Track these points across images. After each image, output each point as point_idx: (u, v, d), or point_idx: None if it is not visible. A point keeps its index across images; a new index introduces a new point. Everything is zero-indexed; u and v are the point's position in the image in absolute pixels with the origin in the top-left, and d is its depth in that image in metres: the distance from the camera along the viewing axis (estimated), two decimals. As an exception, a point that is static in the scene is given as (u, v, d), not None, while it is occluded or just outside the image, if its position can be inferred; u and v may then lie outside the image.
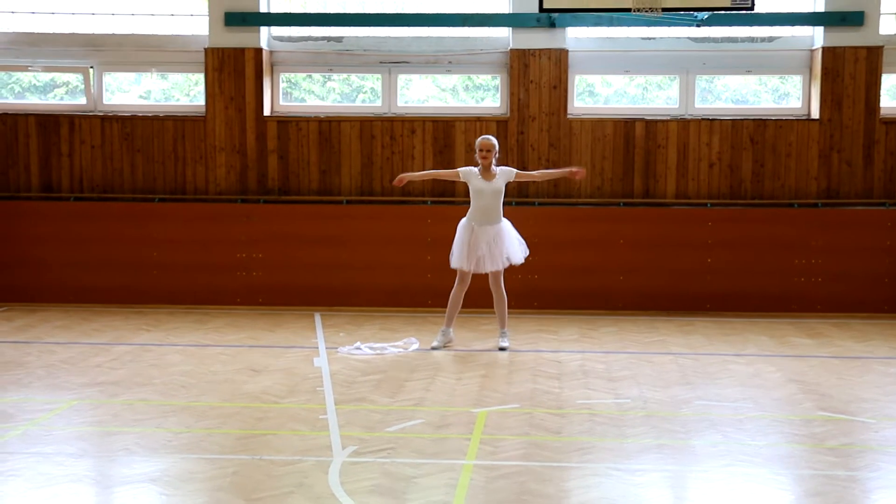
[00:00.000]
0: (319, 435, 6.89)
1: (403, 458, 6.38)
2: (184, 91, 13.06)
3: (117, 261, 12.30)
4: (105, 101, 12.78)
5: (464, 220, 9.88)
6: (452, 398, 7.96)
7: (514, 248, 9.86)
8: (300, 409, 7.60)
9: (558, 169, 9.89)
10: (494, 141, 9.88)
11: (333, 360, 9.33)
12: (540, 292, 11.90)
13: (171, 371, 8.82)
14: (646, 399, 7.93)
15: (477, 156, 9.85)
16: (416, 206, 12.34)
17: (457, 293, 9.91)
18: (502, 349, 9.81)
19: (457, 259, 9.87)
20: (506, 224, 9.85)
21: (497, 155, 9.87)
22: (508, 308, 10.03)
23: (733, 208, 12.11)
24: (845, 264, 11.88)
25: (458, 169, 10.15)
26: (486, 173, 9.80)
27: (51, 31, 12.73)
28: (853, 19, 11.90)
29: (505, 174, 9.85)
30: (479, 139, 9.96)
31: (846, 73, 12.02)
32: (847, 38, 11.97)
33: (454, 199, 12.32)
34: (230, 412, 7.50)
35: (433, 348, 9.84)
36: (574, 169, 10.07)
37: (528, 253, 10.05)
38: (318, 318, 11.53)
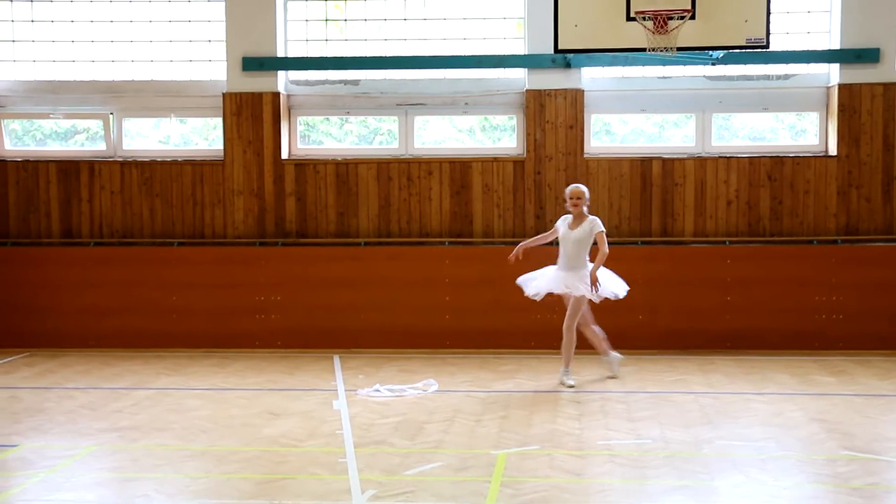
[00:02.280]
0: (339, 479, 6.86)
1: (423, 502, 6.34)
2: (202, 135, 13.17)
3: (137, 305, 12.35)
4: (125, 147, 12.90)
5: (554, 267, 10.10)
6: (472, 440, 7.91)
7: (585, 284, 9.83)
8: (319, 452, 7.57)
9: (599, 261, 9.96)
10: (583, 188, 10.00)
11: (353, 402, 9.31)
12: (558, 332, 11.81)
13: (190, 415, 8.82)
14: (667, 439, 7.87)
15: (567, 204, 10.00)
16: (433, 248, 12.35)
17: (587, 327, 10.25)
18: (569, 386, 9.92)
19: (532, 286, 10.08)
20: (587, 271, 9.85)
21: (587, 202, 9.95)
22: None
23: (752, 246, 12.07)
24: (866, 301, 11.80)
25: (557, 224, 10.21)
26: (575, 221, 9.96)
27: (71, 79, 12.89)
28: (869, 56, 11.91)
29: (591, 224, 9.89)
30: (569, 188, 10.08)
31: (863, 110, 12.01)
32: (863, 74, 11.97)
33: (472, 239, 12.35)
34: (249, 456, 7.48)
35: (570, 386, 9.95)
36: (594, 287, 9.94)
37: (621, 292, 10.16)
38: (337, 360, 11.52)
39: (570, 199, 9.97)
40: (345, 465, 7.19)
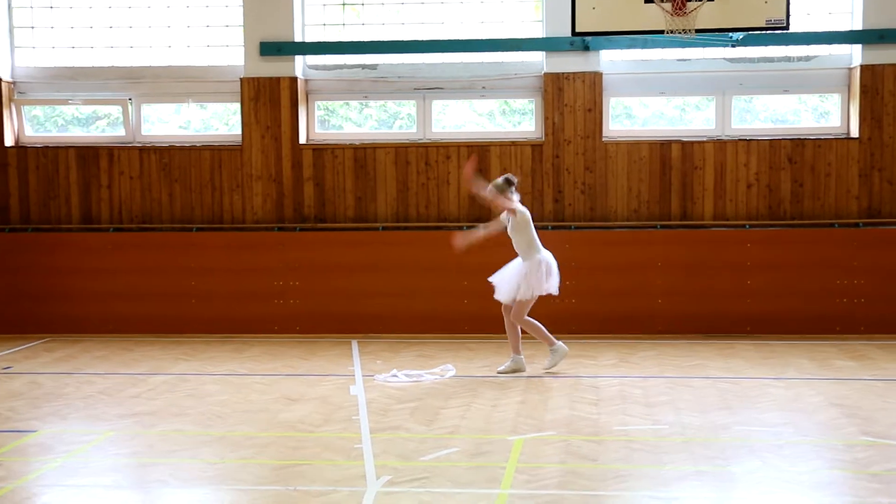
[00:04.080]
0: (354, 465, 6.86)
1: (438, 488, 6.33)
2: (223, 120, 13.17)
3: (156, 291, 12.40)
4: (143, 133, 12.92)
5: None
6: (488, 425, 7.90)
7: (511, 285, 9.77)
8: (335, 438, 7.58)
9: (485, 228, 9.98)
10: (491, 186, 9.82)
11: (370, 387, 9.31)
12: (578, 317, 11.81)
13: (207, 401, 8.85)
14: (684, 425, 7.82)
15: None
16: (451, 232, 12.26)
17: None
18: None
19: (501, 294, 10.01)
20: (528, 264, 9.74)
21: (506, 194, 9.76)
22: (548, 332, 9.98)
23: (772, 229, 11.97)
24: (888, 285, 11.68)
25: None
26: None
27: (90, 65, 12.91)
28: (891, 36, 11.75)
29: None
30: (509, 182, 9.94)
31: (885, 91, 11.87)
32: (885, 55, 11.82)
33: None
34: (265, 442, 7.49)
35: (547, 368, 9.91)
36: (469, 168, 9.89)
37: (532, 293, 9.82)
38: (355, 345, 11.53)
39: (497, 198, 9.79)
40: (360, 450, 7.19)
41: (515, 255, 9.91)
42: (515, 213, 9.69)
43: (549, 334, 9.87)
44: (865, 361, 10.30)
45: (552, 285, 9.89)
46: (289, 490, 6.32)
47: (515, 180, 9.91)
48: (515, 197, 9.87)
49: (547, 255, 9.86)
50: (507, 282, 9.85)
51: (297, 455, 7.13)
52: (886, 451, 7.04)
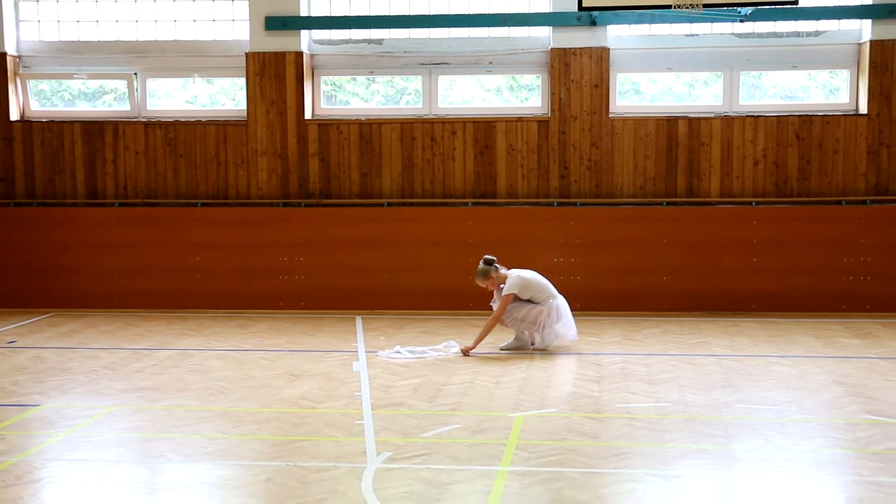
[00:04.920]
0: (355, 441, 6.86)
1: (438, 465, 6.33)
2: (229, 95, 13.13)
3: (161, 266, 12.41)
4: (149, 108, 12.89)
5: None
6: (490, 402, 7.89)
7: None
8: (337, 414, 7.58)
9: (483, 331, 9.79)
10: (477, 277, 9.82)
11: (372, 364, 9.31)
12: (582, 293, 11.77)
13: (210, 376, 8.86)
14: (686, 402, 7.81)
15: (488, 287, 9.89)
16: (457, 209, 12.28)
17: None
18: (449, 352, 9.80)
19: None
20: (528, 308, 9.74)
21: (493, 276, 9.73)
22: None
23: (779, 206, 11.91)
24: (895, 263, 11.62)
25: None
26: (497, 293, 9.85)
27: (95, 39, 12.87)
28: (901, 12, 11.65)
29: (504, 289, 9.75)
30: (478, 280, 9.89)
31: (895, 67, 11.75)
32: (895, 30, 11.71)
33: (496, 200, 12.27)
34: (267, 417, 7.50)
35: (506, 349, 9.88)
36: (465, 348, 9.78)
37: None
38: (359, 321, 11.52)
39: (485, 284, 9.81)
40: (361, 427, 7.19)
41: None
42: (510, 299, 9.63)
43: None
44: (871, 339, 10.27)
45: (563, 330, 9.82)
46: (289, 466, 6.32)
47: (493, 258, 9.83)
48: (502, 270, 9.80)
49: (560, 301, 9.82)
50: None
51: (298, 431, 7.13)
52: (889, 430, 7.01)
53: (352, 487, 5.93)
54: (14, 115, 12.87)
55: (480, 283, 9.86)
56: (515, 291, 9.66)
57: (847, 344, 10.06)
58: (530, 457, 6.47)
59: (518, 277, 9.72)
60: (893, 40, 11.73)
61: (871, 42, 11.75)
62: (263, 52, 12.45)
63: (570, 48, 12.13)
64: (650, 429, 7.12)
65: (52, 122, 12.85)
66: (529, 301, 9.73)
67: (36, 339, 10.70)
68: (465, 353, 9.65)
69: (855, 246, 11.69)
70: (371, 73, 12.76)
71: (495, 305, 9.86)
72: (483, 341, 9.74)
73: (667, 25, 12.06)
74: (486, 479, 6.04)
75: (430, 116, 12.51)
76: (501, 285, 9.78)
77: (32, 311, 12.22)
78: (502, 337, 10.02)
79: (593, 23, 12.01)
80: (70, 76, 13.01)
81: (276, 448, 6.73)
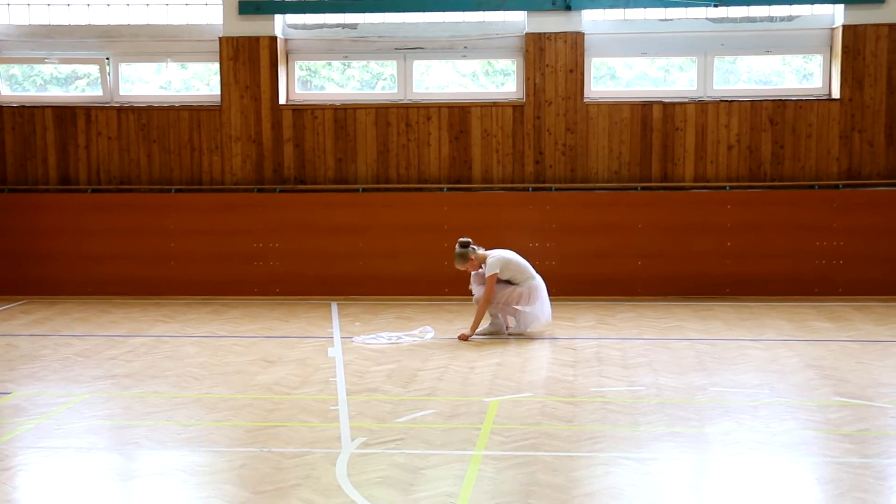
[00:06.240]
0: (329, 426, 6.86)
1: (412, 450, 6.34)
2: (204, 80, 13.04)
3: (135, 252, 12.34)
4: (122, 92, 12.79)
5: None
6: (465, 387, 7.90)
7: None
8: (312, 400, 7.57)
9: (477, 315, 9.77)
10: (456, 258, 9.73)
11: (348, 349, 9.31)
12: (557, 279, 11.75)
13: (185, 363, 8.83)
14: (660, 386, 7.85)
15: (468, 270, 9.83)
16: (432, 194, 12.27)
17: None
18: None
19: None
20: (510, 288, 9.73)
21: (471, 256, 9.66)
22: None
23: (753, 191, 11.97)
24: (867, 246, 11.72)
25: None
26: (478, 276, 9.78)
27: (66, 23, 12.76)
28: (873, -3, 11.70)
29: (486, 268, 9.67)
30: (456, 261, 9.79)
31: (867, 52, 11.83)
32: (868, 15, 11.77)
33: (471, 185, 12.28)
34: (241, 404, 7.48)
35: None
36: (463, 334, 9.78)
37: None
38: (334, 307, 11.51)
39: (465, 267, 9.75)
40: (336, 412, 7.19)
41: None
42: (494, 279, 9.61)
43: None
44: (842, 323, 10.35)
45: (539, 310, 9.77)
46: (263, 452, 6.31)
47: (469, 240, 9.76)
48: (480, 250, 9.74)
49: (539, 282, 9.81)
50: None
51: (272, 417, 7.12)
52: (859, 412, 7.08)
53: (326, 473, 5.93)
54: (-16, 101, 12.76)
55: (459, 266, 9.82)
56: (497, 271, 9.64)
57: (819, 327, 10.14)
58: (504, 441, 6.49)
59: (500, 258, 9.70)
60: (865, 25, 11.79)
61: (844, 27, 11.81)
62: (237, 37, 12.38)
63: (545, 33, 12.12)
64: (624, 412, 7.16)
65: (24, 107, 12.73)
66: (508, 282, 9.73)
67: (8, 326, 10.63)
68: (464, 338, 9.63)
69: (828, 230, 11.77)
70: (346, 57, 12.71)
71: (474, 289, 9.84)
72: (478, 327, 9.72)
73: (641, 10, 12.07)
74: (461, 464, 6.05)
75: (406, 101, 12.48)
76: (482, 267, 9.75)
77: (5, 299, 12.13)
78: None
79: (568, 7, 12.00)
80: (41, 60, 12.90)
81: (251, 434, 6.72)
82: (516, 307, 9.75)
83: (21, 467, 6.13)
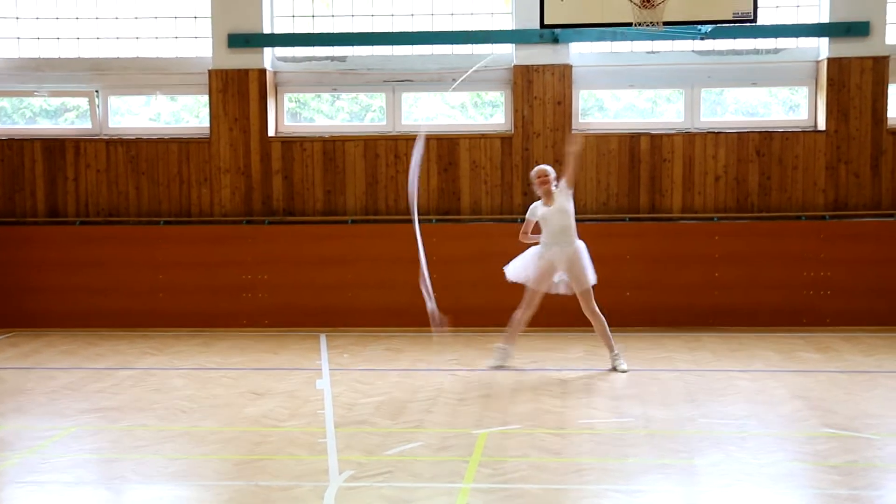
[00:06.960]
0: (318, 459, 6.83)
1: (400, 483, 6.32)
2: (193, 112, 13.08)
3: (123, 284, 12.31)
4: (111, 125, 12.82)
5: (537, 248, 9.76)
6: (454, 419, 7.89)
7: (589, 269, 9.68)
8: (300, 432, 7.55)
9: (569, 155, 9.79)
10: (546, 168, 9.74)
11: (336, 381, 9.28)
12: (546, 309, 11.72)
13: (172, 395, 8.79)
14: (649, 418, 7.84)
15: (535, 187, 9.75)
16: (421, 225, 12.23)
17: (525, 317, 9.80)
18: (623, 371, 9.57)
19: (523, 275, 9.77)
20: (581, 245, 9.68)
21: (554, 178, 9.67)
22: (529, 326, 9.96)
23: (740, 222, 12.02)
24: (854, 277, 11.76)
25: (528, 215, 9.92)
26: (548, 199, 9.67)
27: (56, 56, 12.80)
28: (858, 30, 11.81)
29: (562, 191, 9.63)
30: (534, 170, 9.80)
31: (852, 84, 11.92)
32: (853, 48, 11.88)
33: (459, 216, 12.30)
34: (229, 437, 7.45)
35: (493, 368, 9.75)
36: (573, 142, 9.87)
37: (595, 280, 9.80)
38: (323, 339, 11.49)
39: (539, 178, 9.69)
40: (324, 445, 7.16)
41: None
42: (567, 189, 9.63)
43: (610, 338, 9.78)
44: (830, 353, 10.37)
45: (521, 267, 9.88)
46: (251, 486, 6.28)
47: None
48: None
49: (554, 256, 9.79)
50: (587, 265, 9.68)
51: (260, 450, 7.09)
52: (847, 443, 7.09)
53: (313, 507, 5.91)
54: (-27, 133, 12.76)
55: (539, 173, 9.69)
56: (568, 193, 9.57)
57: (807, 358, 10.16)
58: (493, 473, 6.47)
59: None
60: (850, 58, 11.90)
61: (829, 60, 11.91)
62: (226, 70, 12.43)
63: (532, 65, 12.20)
64: (613, 444, 7.14)
65: (13, 139, 12.74)
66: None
67: (-5, 359, 10.59)
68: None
69: (815, 261, 11.81)
70: (335, 90, 12.77)
71: (524, 237, 9.86)
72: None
73: (629, 43, 12.17)
74: (449, 497, 6.03)
75: (394, 133, 12.53)
76: (555, 185, 9.63)
77: (-8, 331, 12.11)
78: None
79: (556, 40, 12.08)
80: (31, 93, 12.92)
81: (238, 468, 6.68)
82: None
83: (6, 503, 6.08)
